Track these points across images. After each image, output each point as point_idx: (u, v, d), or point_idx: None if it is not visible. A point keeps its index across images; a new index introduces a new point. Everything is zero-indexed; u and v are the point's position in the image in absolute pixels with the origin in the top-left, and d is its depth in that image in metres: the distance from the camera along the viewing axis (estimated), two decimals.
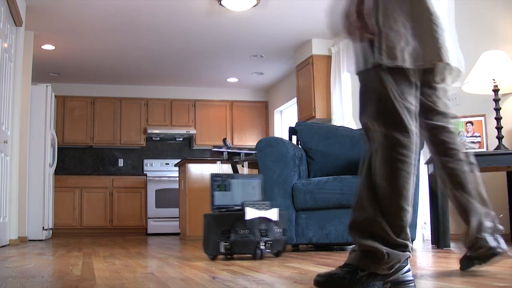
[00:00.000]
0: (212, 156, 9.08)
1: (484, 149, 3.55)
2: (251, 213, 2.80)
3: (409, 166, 1.57)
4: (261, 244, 2.80)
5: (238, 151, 3.30)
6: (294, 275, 1.96)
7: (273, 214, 2.89)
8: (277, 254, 2.96)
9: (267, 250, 2.87)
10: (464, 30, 4.38)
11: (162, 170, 8.87)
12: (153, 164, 8.91)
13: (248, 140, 9.02)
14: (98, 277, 2.04)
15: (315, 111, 6.53)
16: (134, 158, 8.93)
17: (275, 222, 2.89)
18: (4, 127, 4.60)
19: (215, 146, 3.20)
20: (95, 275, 2.11)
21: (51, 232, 6.74)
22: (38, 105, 6.06)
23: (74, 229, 7.87)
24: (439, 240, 3.38)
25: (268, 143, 3.53)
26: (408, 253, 1.55)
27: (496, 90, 3.62)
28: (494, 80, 3.62)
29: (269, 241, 2.86)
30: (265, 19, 5.92)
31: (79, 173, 8.19)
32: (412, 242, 3.38)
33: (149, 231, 8.08)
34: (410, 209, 1.57)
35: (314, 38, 6.62)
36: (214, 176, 3.06)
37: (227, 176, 3.09)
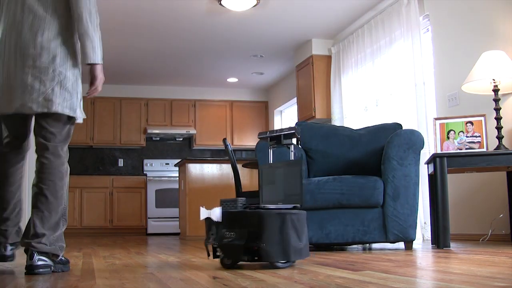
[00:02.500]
0: (212, 156, 9.09)
1: (484, 149, 3.55)
2: (203, 214, 2.34)
3: None
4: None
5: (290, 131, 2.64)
6: (294, 275, 1.96)
7: (215, 214, 2.33)
8: (230, 265, 2.31)
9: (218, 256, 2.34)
10: (464, 30, 4.38)
11: (162, 170, 8.87)
12: (153, 164, 8.91)
13: (248, 140, 9.02)
14: (98, 277, 2.04)
15: (315, 111, 6.53)
16: (134, 158, 8.93)
17: (222, 224, 2.31)
18: None
19: (260, 133, 2.73)
20: (95, 275, 2.11)
21: None
22: None
23: (74, 229, 7.87)
24: (439, 240, 3.38)
25: (268, 143, 3.53)
26: None
27: (496, 90, 3.62)
28: (494, 80, 3.62)
29: (216, 247, 2.33)
30: (265, 19, 5.91)
31: (79, 173, 8.19)
32: (412, 242, 3.40)
33: (149, 231, 8.08)
34: None
35: (314, 38, 6.62)
36: (263, 168, 2.60)
37: (276, 166, 2.57)
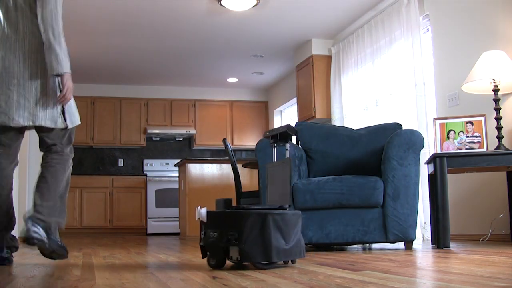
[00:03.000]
0: (212, 156, 9.09)
1: (484, 149, 3.55)
2: (197, 214, 2.35)
3: None
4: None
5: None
6: (294, 275, 1.96)
7: (201, 214, 2.31)
8: (215, 265, 2.28)
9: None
10: (464, 30, 4.38)
11: (162, 170, 8.87)
12: (153, 164, 8.91)
13: (248, 140, 9.02)
14: (98, 277, 2.04)
15: (315, 111, 6.53)
16: (134, 158, 8.93)
17: (208, 224, 2.29)
18: None
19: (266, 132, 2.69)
20: (95, 275, 2.11)
21: None
22: None
23: (74, 229, 7.87)
24: (439, 240, 3.38)
25: (268, 143, 3.53)
26: None
27: (496, 90, 3.62)
28: (494, 80, 3.62)
29: (202, 247, 2.34)
30: (265, 19, 5.92)
31: (79, 173, 8.19)
32: (412, 242, 3.40)
33: (149, 231, 8.08)
34: None
35: (314, 38, 6.62)
36: (268, 167, 2.55)
37: (273, 165, 2.54)
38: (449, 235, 3.38)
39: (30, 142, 5.72)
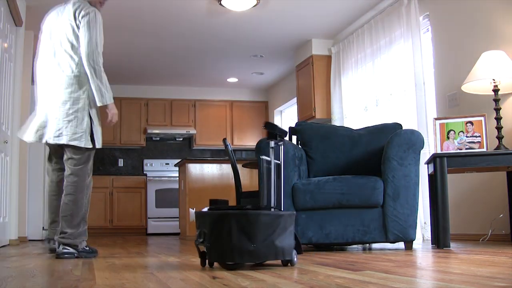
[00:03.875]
0: (212, 156, 9.08)
1: (484, 149, 3.55)
2: (191, 216, 2.41)
3: None
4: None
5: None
6: (294, 275, 1.96)
7: (190, 215, 2.39)
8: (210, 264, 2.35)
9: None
10: (464, 30, 4.38)
11: (162, 170, 8.87)
12: (153, 164, 8.91)
13: (248, 140, 9.02)
14: (98, 277, 2.04)
15: (315, 111, 6.53)
16: (134, 158, 8.93)
17: (196, 224, 2.33)
18: (4, 127, 4.60)
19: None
20: (95, 275, 2.11)
21: None
22: None
23: None
24: (439, 240, 3.38)
25: (268, 143, 3.53)
26: None
27: (496, 90, 3.62)
28: (494, 80, 3.62)
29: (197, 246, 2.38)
30: (265, 19, 5.92)
31: None
32: (412, 242, 3.39)
33: (149, 231, 8.08)
34: None
35: (314, 38, 6.62)
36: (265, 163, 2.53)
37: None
38: (449, 235, 3.38)
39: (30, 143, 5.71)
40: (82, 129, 3.13)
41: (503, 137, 3.58)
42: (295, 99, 7.55)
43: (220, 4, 5.36)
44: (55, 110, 3.12)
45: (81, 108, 3.14)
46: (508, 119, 3.90)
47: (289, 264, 2.37)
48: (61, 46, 3.16)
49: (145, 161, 8.90)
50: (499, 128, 3.59)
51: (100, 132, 3.24)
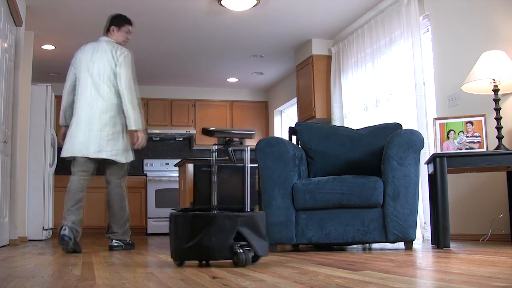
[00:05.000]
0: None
1: (484, 149, 3.55)
2: None
3: None
4: None
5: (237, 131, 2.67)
6: (294, 275, 1.96)
7: None
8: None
9: None
10: (464, 30, 4.38)
11: (162, 170, 8.87)
12: (153, 164, 8.91)
13: (248, 140, 9.00)
14: (98, 277, 2.04)
15: (315, 111, 6.53)
16: (134, 158, 8.92)
17: None
18: (4, 127, 4.60)
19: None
20: (95, 275, 2.11)
21: (51, 232, 6.74)
22: (38, 105, 6.06)
23: None
24: (439, 240, 3.38)
25: (268, 143, 3.53)
26: None
27: (496, 90, 3.62)
28: (494, 80, 3.62)
29: None
30: (265, 19, 5.92)
31: None
32: (412, 242, 3.39)
33: (149, 231, 8.08)
34: None
35: (314, 38, 6.62)
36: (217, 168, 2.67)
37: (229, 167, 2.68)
38: (449, 235, 3.38)
39: (30, 140, 5.72)
40: (118, 147, 3.89)
41: (503, 137, 3.58)
42: (295, 99, 7.55)
43: (220, 4, 5.36)
44: (97, 131, 3.80)
45: (118, 130, 3.89)
46: (508, 119, 3.90)
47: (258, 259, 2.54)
48: (101, 78, 3.87)
49: (145, 161, 8.90)
50: (499, 128, 3.59)
51: (132, 150, 4.05)
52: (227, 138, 2.71)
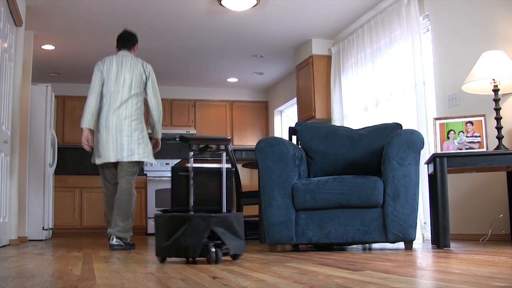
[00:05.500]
0: (212, 156, 9.08)
1: (484, 149, 3.55)
2: None
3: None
4: None
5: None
6: (294, 275, 1.96)
7: None
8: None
9: None
10: (464, 30, 4.38)
11: (162, 170, 8.87)
12: (153, 164, 8.91)
13: (248, 140, 9.02)
14: (98, 277, 2.04)
15: (315, 111, 6.53)
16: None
17: None
18: (4, 127, 4.60)
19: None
20: (95, 275, 2.11)
21: (51, 232, 6.74)
22: (38, 105, 6.06)
23: (74, 229, 7.87)
24: (439, 240, 3.38)
25: (268, 143, 3.53)
26: None
27: (496, 90, 3.62)
28: (494, 80, 3.62)
29: None
30: (265, 19, 5.92)
31: (79, 173, 8.19)
32: (412, 242, 3.39)
33: (149, 231, 8.08)
34: None
35: (314, 38, 6.62)
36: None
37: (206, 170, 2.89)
38: (449, 235, 3.38)
39: (30, 140, 5.72)
40: (148, 150, 4.26)
41: (503, 137, 3.58)
42: (295, 99, 7.55)
43: (220, 4, 5.36)
44: (127, 136, 4.15)
45: (145, 135, 4.26)
46: (508, 119, 3.90)
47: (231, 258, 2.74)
48: (131, 89, 4.23)
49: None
50: (499, 128, 3.59)
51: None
52: (203, 145, 2.88)
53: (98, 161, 4.24)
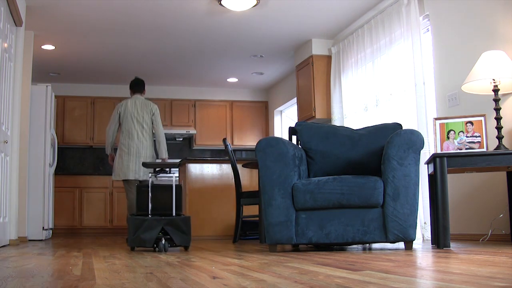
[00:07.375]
0: (212, 156, 9.08)
1: (484, 149, 3.55)
2: None
3: None
4: None
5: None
6: (294, 275, 1.96)
7: None
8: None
9: None
10: (464, 30, 4.38)
11: None
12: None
13: (248, 140, 9.02)
14: (98, 277, 2.04)
15: (315, 111, 6.53)
16: None
17: None
18: (4, 127, 4.60)
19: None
20: (95, 275, 2.11)
21: (51, 232, 6.74)
22: (38, 105, 6.06)
23: (74, 229, 7.86)
24: (439, 240, 3.38)
25: (268, 143, 3.53)
26: None
27: (496, 90, 3.62)
28: (494, 80, 3.62)
29: None
30: (265, 19, 5.92)
31: (79, 173, 8.19)
32: (412, 242, 3.40)
33: None
34: None
35: (314, 38, 6.62)
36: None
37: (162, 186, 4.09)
38: (449, 235, 3.38)
39: (30, 140, 5.72)
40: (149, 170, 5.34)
41: (503, 137, 3.58)
42: (295, 99, 7.55)
43: (220, 4, 5.36)
44: (144, 159, 5.41)
45: (155, 158, 5.58)
46: (508, 119, 3.90)
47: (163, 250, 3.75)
48: (144, 125, 5.50)
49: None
50: (499, 128, 3.59)
51: None
52: (158, 169, 4.23)
53: (119, 178, 5.53)
